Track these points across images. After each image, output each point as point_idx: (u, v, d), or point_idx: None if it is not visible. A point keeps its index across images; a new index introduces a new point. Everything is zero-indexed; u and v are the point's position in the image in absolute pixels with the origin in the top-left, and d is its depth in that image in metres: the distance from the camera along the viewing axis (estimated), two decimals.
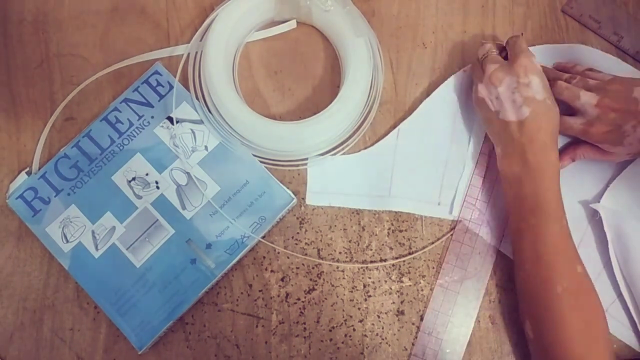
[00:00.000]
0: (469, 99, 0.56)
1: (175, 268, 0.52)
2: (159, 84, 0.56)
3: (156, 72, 0.56)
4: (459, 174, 0.55)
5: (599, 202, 0.54)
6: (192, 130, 0.55)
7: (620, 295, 0.52)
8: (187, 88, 0.56)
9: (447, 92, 0.57)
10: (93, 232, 0.53)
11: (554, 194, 0.49)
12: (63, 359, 0.52)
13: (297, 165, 0.55)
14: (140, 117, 0.55)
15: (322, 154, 0.55)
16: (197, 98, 0.55)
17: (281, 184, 0.54)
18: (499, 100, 0.50)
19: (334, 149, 0.55)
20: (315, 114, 0.54)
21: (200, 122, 0.55)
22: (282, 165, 0.55)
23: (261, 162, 0.54)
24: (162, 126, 0.55)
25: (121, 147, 0.54)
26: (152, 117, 0.55)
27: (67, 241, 0.52)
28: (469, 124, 0.56)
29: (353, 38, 0.54)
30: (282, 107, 0.57)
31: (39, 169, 0.54)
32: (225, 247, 0.52)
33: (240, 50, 0.58)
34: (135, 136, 0.55)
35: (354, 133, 0.55)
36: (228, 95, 0.53)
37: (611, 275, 0.53)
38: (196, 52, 0.56)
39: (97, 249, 0.52)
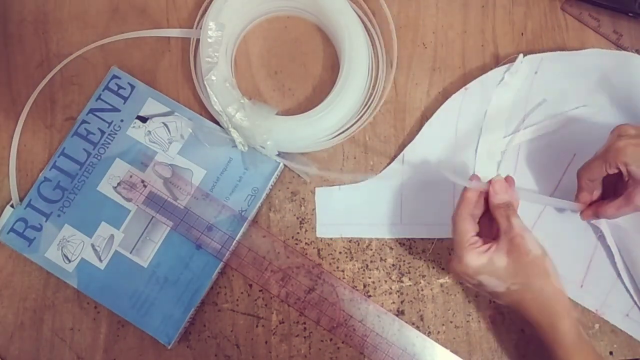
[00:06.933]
0: (470, 117, 0.56)
1: (183, 258, 0.52)
2: (119, 87, 0.56)
3: (115, 77, 0.56)
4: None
5: None
6: (163, 123, 0.55)
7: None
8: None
9: (449, 112, 0.56)
10: (93, 245, 0.53)
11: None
12: (63, 359, 0.52)
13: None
14: (109, 123, 0.55)
15: (328, 139, 0.55)
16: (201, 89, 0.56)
17: (263, 153, 0.54)
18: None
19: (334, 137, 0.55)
20: None
21: (170, 113, 0.55)
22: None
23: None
24: (134, 127, 0.55)
25: (99, 157, 0.54)
26: (122, 120, 0.55)
27: (70, 261, 0.52)
28: (472, 141, 0.55)
29: (352, 37, 0.54)
30: (282, 107, 0.57)
31: (22, 198, 0.54)
32: (226, 225, 0.53)
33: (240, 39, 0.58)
34: (110, 143, 0.55)
35: (353, 125, 0.55)
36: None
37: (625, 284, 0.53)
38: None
39: (100, 260, 0.52)
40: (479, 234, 0.46)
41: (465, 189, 0.47)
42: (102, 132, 0.55)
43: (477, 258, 0.44)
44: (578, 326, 0.44)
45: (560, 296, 0.44)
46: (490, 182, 0.47)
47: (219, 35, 0.53)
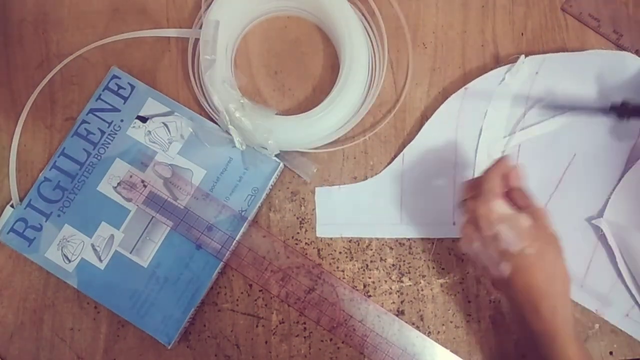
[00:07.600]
0: (470, 117, 0.56)
1: (183, 258, 0.52)
2: (119, 87, 0.56)
3: (115, 77, 0.56)
4: None
5: (602, 216, 0.53)
6: (164, 123, 0.55)
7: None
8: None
9: (449, 112, 0.56)
10: (92, 245, 0.53)
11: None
12: (63, 359, 0.52)
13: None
14: (109, 123, 0.55)
15: (326, 144, 0.55)
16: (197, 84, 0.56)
17: (263, 153, 0.54)
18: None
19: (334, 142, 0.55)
20: None
21: (170, 113, 0.55)
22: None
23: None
24: (134, 127, 0.55)
25: (99, 157, 0.54)
26: (122, 120, 0.55)
27: (70, 261, 0.52)
28: (472, 141, 0.55)
29: (352, 37, 0.54)
30: (282, 107, 0.57)
31: (22, 198, 0.54)
32: (226, 225, 0.53)
33: (240, 39, 0.58)
34: (110, 143, 0.55)
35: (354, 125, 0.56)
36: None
37: (626, 283, 0.53)
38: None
39: (100, 260, 0.52)
40: None
41: (504, 157, 0.46)
42: (102, 132, 0.55)
43: (504, 207, 0.43)
44: (574, 320, 0.43)
45: (567, 280, 0.43)
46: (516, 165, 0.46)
47: (215, 33, 0.53)
